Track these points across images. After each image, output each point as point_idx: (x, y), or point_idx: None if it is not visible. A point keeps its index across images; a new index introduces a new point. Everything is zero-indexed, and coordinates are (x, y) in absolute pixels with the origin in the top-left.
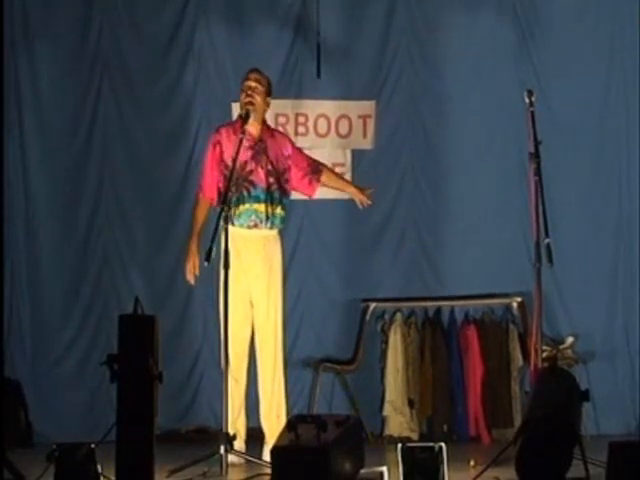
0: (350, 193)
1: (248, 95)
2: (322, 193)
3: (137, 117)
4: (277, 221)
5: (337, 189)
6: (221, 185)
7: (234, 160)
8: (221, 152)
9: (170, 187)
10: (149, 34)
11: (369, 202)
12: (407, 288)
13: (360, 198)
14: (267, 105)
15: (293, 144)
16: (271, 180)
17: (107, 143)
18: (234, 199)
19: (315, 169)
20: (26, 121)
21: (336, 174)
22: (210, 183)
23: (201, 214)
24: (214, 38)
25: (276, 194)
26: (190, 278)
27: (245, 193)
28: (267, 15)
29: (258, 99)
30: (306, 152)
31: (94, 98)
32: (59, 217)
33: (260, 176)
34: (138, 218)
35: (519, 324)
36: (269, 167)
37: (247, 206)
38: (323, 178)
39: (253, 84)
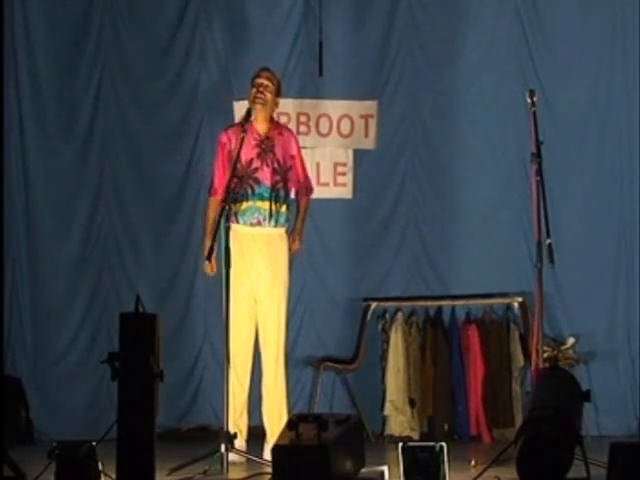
0: (294, 230)
1: (259, 92)
2: (323, 193)
3: (138, 115)
4: (282, 219)
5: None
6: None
7: (235, 159)
8: (230, 152)
9: (170, 186)
10: (150, 31)
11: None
12: (408, 287)
13: (291, 244)
14: (276, 105)
15: (299, 147)
16: (277, 178)
17: (107, 142)
18: (238, 196)
19: (305, 189)
20: (26, 119)
21: (306, 210)
22: (222, 184)
23: (215, 214)
24: (215, 36)
25: (281, 192)
26: (209, 274)
27: (249, 190)
28: (269, 13)
29: (268, 96)
30: (308, 151)
31: (94, 96)
32: (59, 216)
33: (265, 174)
34: (138, 217)
35: (520, 324)
36: (275, 165)
37: (250, 203)
38: (303, 202)
39: (265, 82)
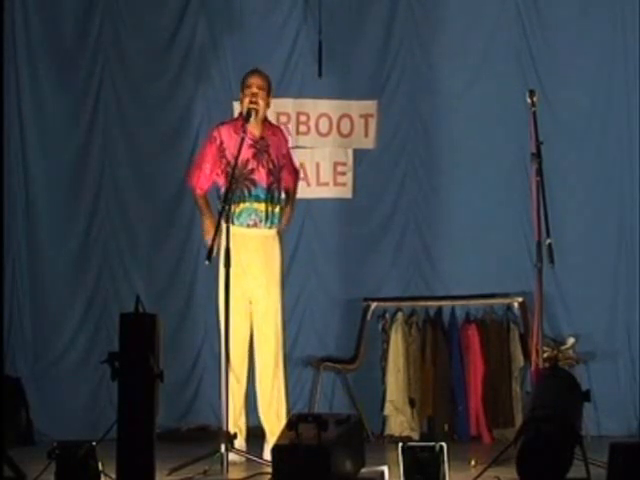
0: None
1: (252, 102)
2: (323, 192)
3: (138, 115)
4: (276, 220)
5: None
6: (217, 179)
7: (236, 159)
8: (221, 148)
9: (170, 186)
10: (150, 32)
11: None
12: (408, 287)
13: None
14: (268, 105)
15: (288, 145)
16: (272, 179)
17: (107, 142)
18: (234, 197)
19: (295, 180)
20: (26, 119)
21: (295, 194)
22: (207, 176)
23: (204, 200)
24: (215, 36)
25: (276, 194)
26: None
27: (246, 192)
28: (269, 13)
29: (261, 103)
30: (307, 151)
31: (94, 97)
32: (59, 216)
33: (261, 175)
34: (138, 217)
35: (520, 324)
36: (270, 166)
37: (247, 205)
38: (292, 187)
39: (255, 90)
